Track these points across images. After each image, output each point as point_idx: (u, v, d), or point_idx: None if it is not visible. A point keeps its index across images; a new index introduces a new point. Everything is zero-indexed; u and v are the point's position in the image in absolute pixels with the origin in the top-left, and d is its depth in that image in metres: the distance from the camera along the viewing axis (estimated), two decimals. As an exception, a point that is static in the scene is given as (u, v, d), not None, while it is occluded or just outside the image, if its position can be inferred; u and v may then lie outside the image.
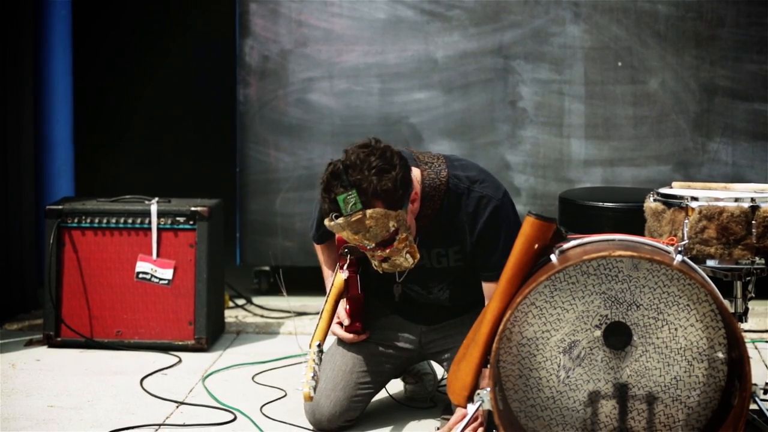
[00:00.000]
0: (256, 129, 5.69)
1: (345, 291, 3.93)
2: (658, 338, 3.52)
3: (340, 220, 3.57)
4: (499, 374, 3.56)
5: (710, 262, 3.68)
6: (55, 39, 5.59)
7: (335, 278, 3.96)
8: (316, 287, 4.46)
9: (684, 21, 5.51)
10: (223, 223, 5.15)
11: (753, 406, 3.56)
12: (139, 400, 4.28)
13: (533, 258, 3.53)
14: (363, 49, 5.62)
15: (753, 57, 5.50)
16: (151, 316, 4.93)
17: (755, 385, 3.49)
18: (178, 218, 4.92)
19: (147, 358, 4.80)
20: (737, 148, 5.54)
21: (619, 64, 5.54)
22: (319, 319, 3.85)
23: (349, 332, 4.00)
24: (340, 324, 4.00)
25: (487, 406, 3.48)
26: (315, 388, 3.63)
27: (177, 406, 4.21)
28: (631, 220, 3.97)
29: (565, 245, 3.55)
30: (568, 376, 3.55)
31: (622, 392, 3.54)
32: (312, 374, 3.61)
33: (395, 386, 4.26)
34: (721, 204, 3.66)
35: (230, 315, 5.40)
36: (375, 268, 3.73)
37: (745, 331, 3.96)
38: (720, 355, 3.52)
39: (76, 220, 4.94)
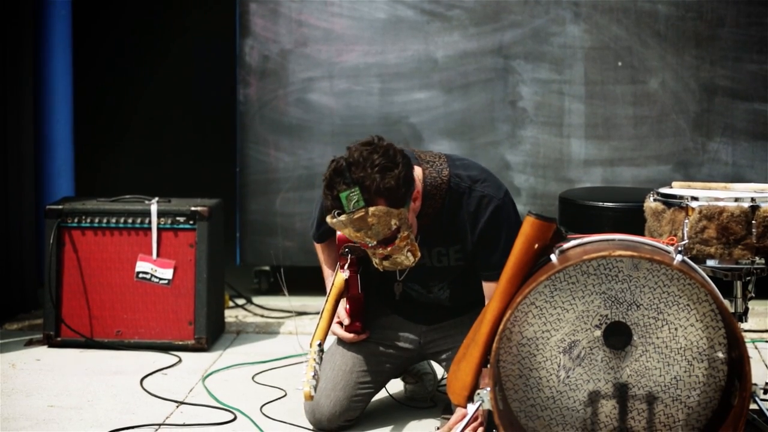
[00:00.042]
0: (256, 129, 5.69)
1: (345, 290, 3.93)
2: (658, 338, 3.52)
3: (343, 218, 3.57)
4: (499, 374, 3.56)
5: (710, 262, 3.68)
6: (55, 39, 5.59)
7: (335, 278, 3.96)
8: (317, 287, 4.46)
9: (684, 21, 5.51)
10: (223, 223, 5.15)
11: (753, 406, 3.56)
12: (139, 399, 4.28)
13: (533, 258, 3.53)
14: (363, 49, 5.62)
15: (753, 57, 5.50)
16: (151, 316, 4.93)
17: (755, 384, 3.49)
18: (178, 218, 4.92)
19: (147, 358, 4.80)
20: (737, 148, 5.54)
21: (619, 64, 5.54)
22: (320, 318, 3.85)
23: (349, 332, 4.00)
24: (340, 324, 4.00)
25: (487, 405, 3.48)
26: (315, 388, 3.63)
27: (177, 406, 4.21)
28: (631, 220, 3.97)
29: (565, 245, 3.55)
30: (568, 376, 3.55)
31: (622, 392, 3.54)
32: (313, 373, 3.61)
33: (395, 386, 4.26)
34: (721, 204, 3.66)
35: (230, 315, 5.40)
36: (376, 266, 3.73)
37: (745, 330, 3.96)
38: (720, 354, 3.52)
39: (76, 220, 4.95)
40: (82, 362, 4.74)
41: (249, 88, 5.67)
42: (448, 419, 3.86)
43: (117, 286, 4.94)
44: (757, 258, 3.66)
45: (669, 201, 3.75)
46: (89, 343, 4.92)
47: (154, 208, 4.92)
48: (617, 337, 3.53)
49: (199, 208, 4.91)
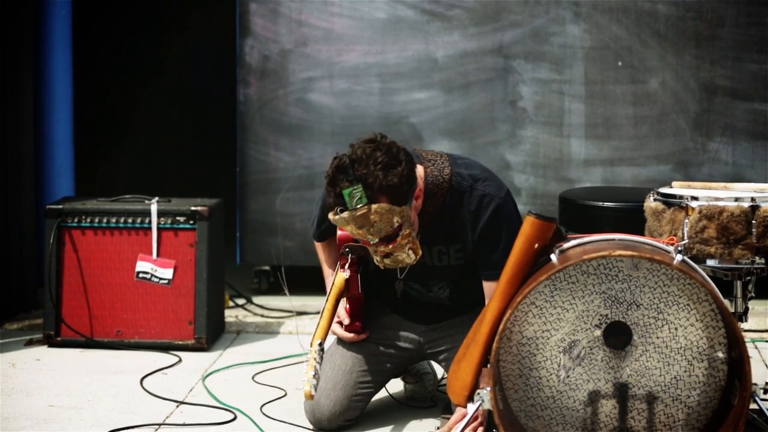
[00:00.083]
0: (256, 129, 5.69)
1: (345, 290, 3.93)
2: (658, 338, 3.52)
3: (345, 215, 3.57)
4: (499, 374, 3.56)
5: (710, 262, 3.68)
6: (55, 39, 5.59)
7: (336, 277, 3.96)
8: (316, 287, 4.46)
9: (684, 21, 5.51)
10: (223, 223, 5.15)
11: (753, 406, 3.56)
12: (139, 399, 4.28)
13: (533, 258, 3.53)
14: (363, 48, 5.62)
15: (753, 57, 5.50)
16: (151, 316, 4.93)
17: (755, 384, 3.49)
18: (178, 218, 4.92)
19: (147, 357, 4.80)
20: (737, 148, 5.54)
21: (619, 63, 5.54)
22: (320, 318, 3.85)
23: (349, 331, 4.00)
24: (340, 323, 4.00)
25: (487, 405, 3.48)
26: (316, 387, 3.63)
27: (177, 406, 4.21)
28: (631, 219, 3.97)
29: (565, 245, 3.55)
30: (568, 376, 3.55)
31: (622, 392, 3.54)
32: (313, 373, 3.61)
33: (395, 386, 4.26)
34: (721, 204, 3.66)
35: (230, 315, 5.40)
36: (377, 263, 3.73)
37: (745, 330, 3.96)
38: (720, 354, 3.52)
39: (76, 220, 4.95)
40: (82, 362, 4.74)
41: (249, 88, 5.67)
42: (448, 419, 3.86)
43: (117, 286, 4.94)
44: (757, 258, 3.66)
45: (669, 201, 3.75)
46: (89, 343, 4.92)
47: (154, 208, 4.92)
48: (617, 336, 3.53)
49: (199, 208, 4.91)
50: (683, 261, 3.45)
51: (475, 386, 3.55)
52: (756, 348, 4.90)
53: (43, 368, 4.66)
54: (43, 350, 4.90)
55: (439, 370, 4.31)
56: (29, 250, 5.45)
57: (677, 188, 3.94)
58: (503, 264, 3.54)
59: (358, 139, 3.65)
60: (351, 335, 4.00)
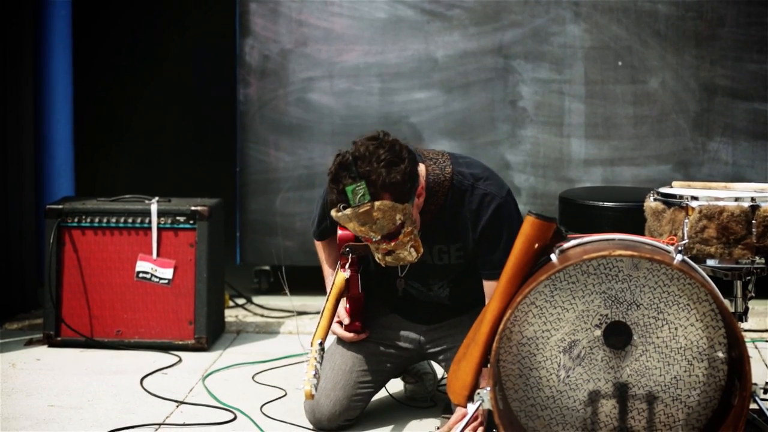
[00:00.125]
0: (256, 128, 5.69)
1: (346, 290, 3.93)
2: (658, 338, 3.52)
3: (348, 211, 3.57)
4: (499, 374, 3.56)
5: (710, 262, 3.68)
6: (55, 39, 5.59)
7: (336, 277, 3.96)
8: (316, 287, 4.46)
9: (684, 20, 5.51)
10: (223, 223, 5.15)
11: (753, 406, 3.56)
12: (139, 399, 4.28)
13: (533, 257, 3.53)
14: (363, 48, 5.62)
15: (753, 57, 5.50)
16: (151, 316, 4.93)
17: (755, 384, 3.49)
18: (178, 218, 4.92)
19: (147, 357, 4.80)
20: (737, 148, 5.54)
21: (620, 63, 5.54)
22: (320, 317, 3.85)
23: (349, 331, 4.00)
24: (340, 323, 4.00)
25: (487, 405, 3.48)
26: (316, 386, 3.63)
27: (177, 406, 4.21)
28: (631, 219, 3.97)
29: (566, 245, 3.55)
30: (568, 376, 3.55)
31: (622, 392, 3.54)
32: (314, 372, 3.61)
33: (395, 386, 4.26)
34: (721, 203, 3.66)
35: (230, 314, 5.40)
36: (378, 261, 3.73)
37: (745, 330, 3.96)
38: (720, 354, 3.52)
39: (76, 220, 4.94)
40: (82, 362, 4.74)
41: (249, 88, 5.67)
42: (448, 419, 3.86)
43: (117, 286, 4.94)
44: (757, 257, 3.66)
45: (669, 201, 3.75)
46: (89, 343, 4.92)
47: (154, 208, 4.92)
48: (617, 336, 3.53)
49: (199, 208, 4.91)
50: (683, 261, 3.45)
51: (475, 386, 3.55)
52: (756, 348, 4.90)
53: (43, 368, 4.66)
54: (43, 350, 4.90)
55: (439, 370, 4.31)
56: (29, 250, 5.45)
57: (677, 188, 3.94)
58: (504, 263, 3.54)
59: (361, 136, 3.66)
60: (351, 335, 4.00)
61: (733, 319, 3.45)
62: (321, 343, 3.72)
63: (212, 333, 4.99)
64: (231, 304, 5.56)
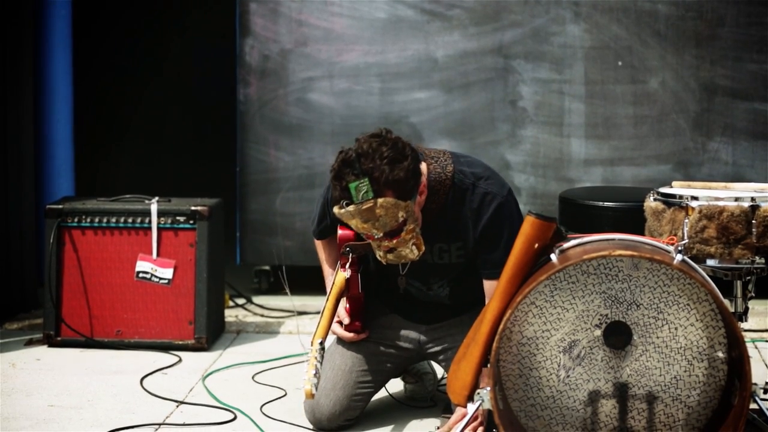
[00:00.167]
0: (257, 128, 5.69)
1: (346, 290, 3.93)
2: (658, 338, 3.52)
3: (351, 208, 3.57)
4: (499, 373, 3.56)
5: (710, 262, 3.68)
6: (55, 39, 5.59)
7: (336, 277, 3.96)
8: (317, 287, 4.46)
9: (684, 20, 5.51)
10: (223, 223, 5.15)
11: (753, 406, 3.56)
12: (139, 399, 4.28)
13: (533, 257, 3.53)
14: (363, 48, 5.62)
15: (753, 56, 5.50)
16: (152, 316, 4.93)
17: (755, 384, 3.49)
18: (178, 218, 4.92)
19: (147, 357, 4.80)
20: (737, 148, 5.54)
21: (620, 63, 5.54)
22: (321, 317, 3.85)
23: (349, 331, 4.00)
24: (340, 323, 4.00)
25: (487, 405, 3.48)
26: (317, 386, 3.63)
27: (177, 406, 4.21)
28: (631, 219, 3.97)
29: (566, 245, 3.55)
30: (568, 376, 3.55)
31: (622, 392, 3.54)
32: (314, 371, 3.61)
33: (395, 385, 4.26)
34: (721, 203, 3.66)
35: (230, 314, 5.40)
36: (379, 258, 3.73)
37: (745, 330, 3.96)
38: (720, 354, 3.52)
39: (76, 220, 4.95)
40: (82, 362, 4.74)
41: (249, 88, 5.67)
42: (448, 419, 3.85)
43: (117, 286, 4.94)
44: (757, 257, 3.66)
45: (669, 200, 3.75)
46: (89, 343, 4.92)
47: (154, 208, 4.92)
48: (617, 336, 3.53)
49: (199, 208, 4.91)
50: (683, 261, 3.45)
51: (475, 386, 3.55)
52: (756, 348, 4.90)
53: (43, 368, 4.66)
54: (43, 350, 4.90)
55: (439, 370, 4.31)
56: (29, 250, 5.45)
57: (677, 188, 3.94)
58: (504, 263, 3.54)
59: (364, 133, 3.66)
60: (351, 335, 4.00)
61: (733, 319, 3.45)
62: (321, 343, 3.72)
63: (212, 333, 4.99)
64: (231, 304, 5.56)
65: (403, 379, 4.28)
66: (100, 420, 4.03)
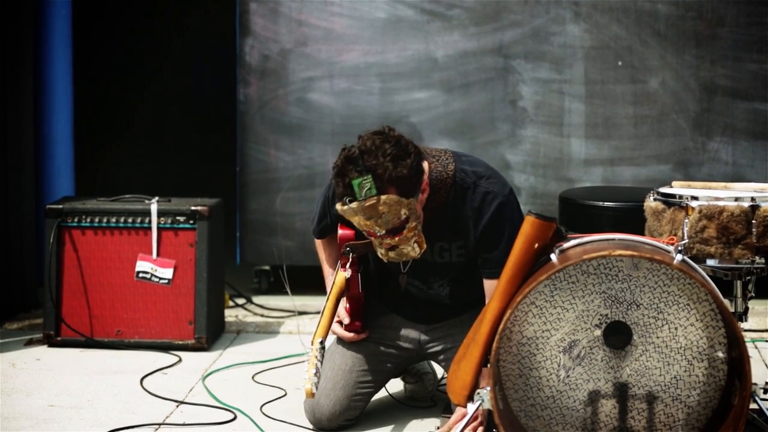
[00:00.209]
0: (257, 128, 5.69)
1: (346, 289, 3.93)
2: (658, 337, 3.52)
3: (354, 205, 3.57)
4: (499, 373, 3.56)
5: (710, 262, 3.68)
6: (55, 39, 5.59)
7: (336, 276, 3.96)
8: (317, 286, 4.46)
9: (684, 20, 5.51)
10: (223, 223, 5.15)
11: (753, 406, 3.56)
12: (139, 399, 4.28)
13: (533, 257, 3.53)
14: (363, 48, 5.62)
15: (753, 56, 5.50)
16: (152, 316, 4.93)
17: (755, 384, 3.49)
18: (178, 217, 4.92)
19: (147, 357, 4.80)
20: (737, 148, 5.54)
21: (620, 63, 5.54)
22: (321, 316, 3.85)
23: (349, 331, 4.00)
24: (340, 323, 4.00)
25: (487, 405, 3.48)
26: (317, 385, 3.63)
27: (177, 406, 4.21)
28: (631, 219, 3.97)
29: (565, 244, 3.55)
30: (568, 376, 3.55)
31: (622, 391, 3.54)
32: (314, 371, 3.61)
33: (395, 385, 4.26)
34: (721, 203, 3.66)
35: (230, 314, 5.40)
36: (380, 256, 3.73)
37: (745, 330, 3.96)
38: (720, 354, 3.52)
39: (76, 220, 4.95)
40: (82, 362, 4.74)
41: (249, 88, 5.67)
42: (448, 419, 3.85)
43: (117, 286, 4.94)
44: (757, 257, 3.66)
45: (669, 200, 3.75)
46: (89, 343, 4.92)
47: (154, 208, 4.92)
48: (617, 336, 3.53)
49: (199, 208, 4.91)
50: (683, 261, 3.45)
51: (475, 386, 3.55)
52: (756, 348, 4.90)
53: (43, 368, 4.66)
54: (43, 350, 4.90)
55: (439, 370, 4.31)
56: (29, 250, 5.45)
57: (677, 188, 3.94)
58: (504, 262, 3.54)
59: (366, 130, 3.66)
60: (351, 335, 4.00)
61: (733, 319, 3.45)
62: (321, 342, 3.72)
63: (212, 333, 4.99)
64: (231, 304, 5.56)
65: (403, 379, 4.28)
66: (100, 420, 4.03)
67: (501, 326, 3.44)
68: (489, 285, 3.81)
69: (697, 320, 3.50)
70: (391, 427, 4.02)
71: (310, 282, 5.14)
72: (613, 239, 3.58)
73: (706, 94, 5.53)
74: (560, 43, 5.56)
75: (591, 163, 5.59)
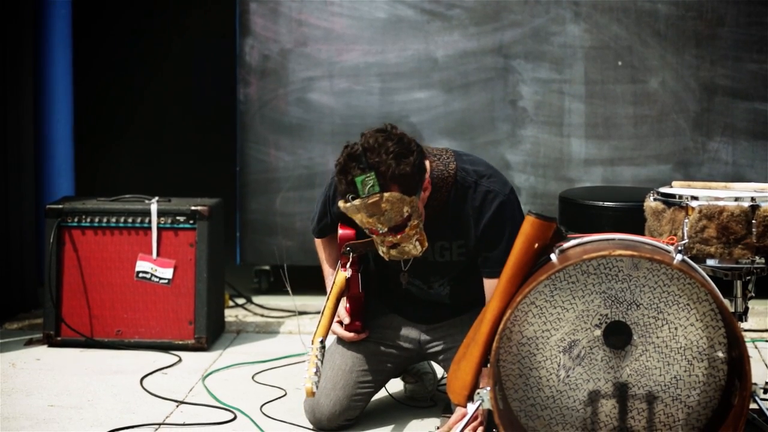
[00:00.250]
0: (257, 128, 5.69)
1: (346, 289, 3.93)
2: (658, 337, 3.52)
3: (357, 202, 3.57)
4: (499, 373, 3.56)
5: (710, 262, 3.68)
6: (55, 39, 5.59)
7: (336, 276, 3.96)
8: (317, 286, 4.46)
9: (684, 20, 5.51)
10: (223, 223, 5.15)
11: (753, 406, 3.56)
12: (139, 399, 4.28)
13: (533, 257, 3.53)
14: (363, 48, 5.62)
15: (753, 56, 5.50)
16: (152, 316, 4.93)
17: (755, 384, 3.49)
18: (178, 217, 4.92)
19: (147, 357, 4.80)
20: (737, 148, 5.54)
21: (620, 63, 5.54)
22: (321, 316, 3.85)
23: (349, 331, 4.00)
24: (340, 323, 4.00)
25: (487, 405, 3.48)
26: (317, 384, 3.63)
27: (177, 406, 4.21)
28: (631, 219, 3.97)
29: (566, 244, 3.55)
30: (568, 376, 3.55)
31: (622, 391, 3.54)
32: (315, 370, 3.61)
33: (395, 385, 4.26)
34: (721, 203, 3.66)
35: (230, 314, 5.40)
36: (382, 255, 3.73)
37: (745, 330, 3.96)
38: (720, 354, 3.52)
39: (76, 220, 4.95)
40: (82, 362, 4.74)
41: (249, 88, 5.67)
42: (448, 418, 3.85)
43: (117, 286, 4.94)
44: (757, 257, 3.66)
45: (669, 200, 3.75)
46: (89, 343, 4.92)
47: (154, 208, 4.92)
48: (617, 336, 3.53)
49: (199, 208, 4.91)
50: (683, 261, 3.45)
51: (475, 386, 3.55)
52: (756, 348, 4.90)
53: (43, 368, 4.66)
54: (43, 350, 4.90)
55: (439, 370, 4.31)
56: (29, 250, 5.45)
57: (677, 188, 3.94)
58: (504, 261, 3.54)
59: (369, 128, 3.66)
60: (351, 335, 4.00)
61: (733, 319, 3.45)
62: (322, 342, 3.72)
63: (212, 333, 4.99)
64: (231, 304, 5.56)
65: (403, 379, 4.28)
66: (100, 420, 4.03)
67: (501, 326, 3.44)
68: (489, 284, 3.81)
69: (697, 320, 3.50)
70: (391, 427, 4.02)
71: (310, 282, 5.14)
72: (613, 239, 3.58)
73: (706, 94, 5.53)
74: (560, 43, 5.56)
75: (591, 163, 5.59)
